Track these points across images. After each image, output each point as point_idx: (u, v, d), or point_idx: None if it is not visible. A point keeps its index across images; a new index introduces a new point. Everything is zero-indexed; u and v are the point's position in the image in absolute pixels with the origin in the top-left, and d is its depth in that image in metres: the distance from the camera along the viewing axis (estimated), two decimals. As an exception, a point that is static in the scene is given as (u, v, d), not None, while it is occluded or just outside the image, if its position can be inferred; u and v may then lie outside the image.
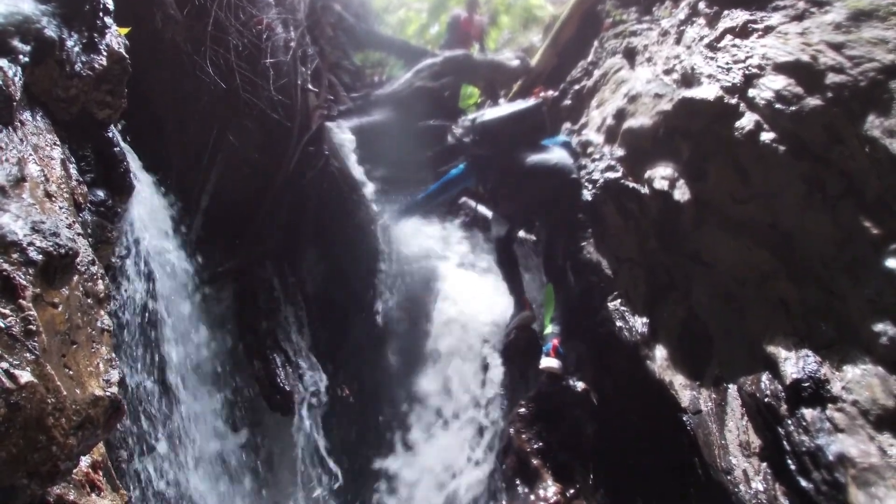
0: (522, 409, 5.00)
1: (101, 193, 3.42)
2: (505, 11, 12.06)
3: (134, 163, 4.10)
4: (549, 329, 5.13)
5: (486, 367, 5.70)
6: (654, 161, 4.93)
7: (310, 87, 5.63)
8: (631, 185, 5.15)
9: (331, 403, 5.89)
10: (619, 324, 5.31)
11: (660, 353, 4.82)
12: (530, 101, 5.73)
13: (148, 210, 4.37)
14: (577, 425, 4.99)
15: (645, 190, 4.99)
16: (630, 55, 6.25)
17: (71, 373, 2.04)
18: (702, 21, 4.99)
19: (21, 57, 2.51)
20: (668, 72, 5.13)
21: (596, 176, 5.57)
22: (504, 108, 5.72)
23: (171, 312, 4.61)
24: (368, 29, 8.57)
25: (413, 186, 6.97)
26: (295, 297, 5.88)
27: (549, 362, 4.93)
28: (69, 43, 2.90)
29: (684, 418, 4.39)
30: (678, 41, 5.27)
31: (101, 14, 3.20)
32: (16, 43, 2.45)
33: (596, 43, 7.15)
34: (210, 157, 5.17)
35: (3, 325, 1.81)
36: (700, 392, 4.36)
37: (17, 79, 2.39)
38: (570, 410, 5.04)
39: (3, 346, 1.79)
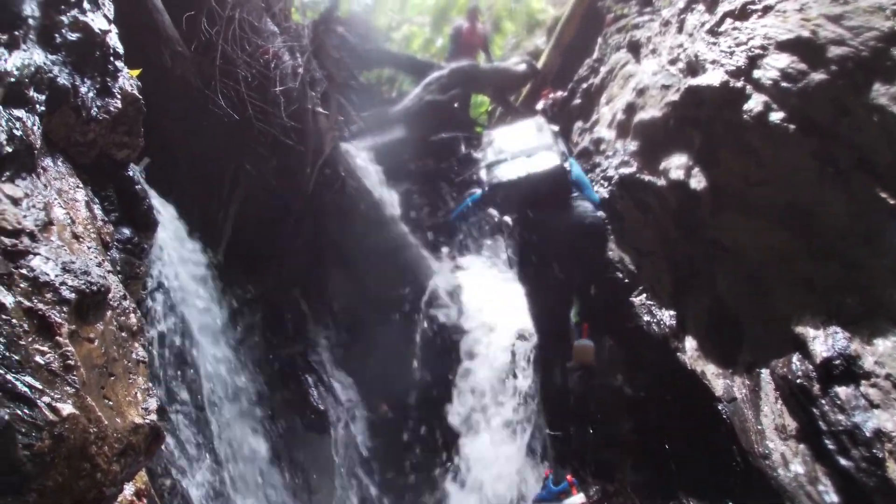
0: (556, 411, 5.01)
1: (126, 231, 3.52)
2: (508, 17, 12.11)
3: (156, 199, 4.20)
4: (578, 318, 5.19)
5: (515, 372, 5.73)
6: (668, 152, 4.93)
7: (320, 110, 5.72)
8: (646, 178, 5.15)
9: (367, 420, 5.95)
10: (646, 318, 5.30)
11: (690, 343, 4.81)
12: (549, 160, 5.02)
13: (173, 244, 4.48)
14: (613, 422, 5.00)
15: (661, 182, 4.98)
16: (634, 49, 6.27)
17: (111, 403, 2.11)
18: (701, 7, 5.00)
19: (37, 106, 2.60)
20: (672, 62, 5.14)
21: (611, 173, 5.58)
22: (520, 167, 5.02)
23: (202, 341, 4.71)
24: (374, 48, 8.69)
25: (429, 198, 7.04)
26: (323, 317, 5.97)
27: (583, 342, 4.92)
28: (83, 89, 3.00)
29: (719, 407, 4.38)
30: (680, 30, 5.28)
31: (111, 58, 3.30)
32: (31, 93, 2.54)
33: (600, 40, 7.17)
34: (229, 187, 5.28)
35: (42, 362, 1.89)
36: (733, 379, 4.35)
37: (35, 128, 2.49)
38: (604, 408, 5.05)
39: (43, 382, 1.88)
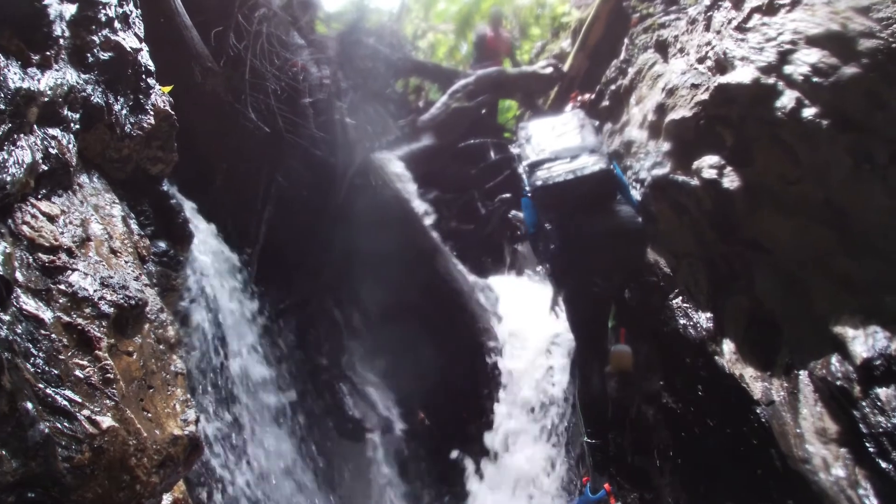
0: (594, 417, 4.96)
1: (162, 244, 3.59)
2: (534, 23, 12.09)
3: (191, 212, 4.27)
4: (615, 322, 5.08)
5: (552, 379, 5.69)
6: (700, 152, 4.86)
7: (348, 120, 5.77)
8: (680, 178, 5.07)
9: (405, 427, 5.96)
10: (682, 321, 5.22)
11: (727, 346, 4.73)
12: (595, 164, 4.81)
13: (208, 256, 4.54)
14: (651, 428, 4.93)
15: (695, 182, 4.91)
16: (662, 48, 6.21)
17: (150, 415, 2.15)
18: (728, 4, 4.93)
19: (72, 125, 2.67)
20: (701, 60, 5.08)
21: (643, 175, 5.51)
22: (564, 168, 4.80)
23: (239, 351, 4.76)
24: (403, 57, 8.73)
25: (460, 205, 7.05)
26: (357, 325, 6.00)
27: (621, 347, 4.84)
28: (116, 107, 3.07)
29: (758, 410, 4.29)
30: (707, 27, 5.21)
31: (143, 76, 3.37)
32: (65, 112, 2.61)
33: (626, 40, 7.11)
34: (262, 198, 5.35)
35: (82, 376, 1.94)
36: (771, 382, 4.26)
37: (70, 146, 2.55)
38: (642, 413, 4.99)
39: (83, 395, 1.92)
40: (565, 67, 8.83)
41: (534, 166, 4.85)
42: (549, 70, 8.89)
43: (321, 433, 5.55)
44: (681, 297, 5.33)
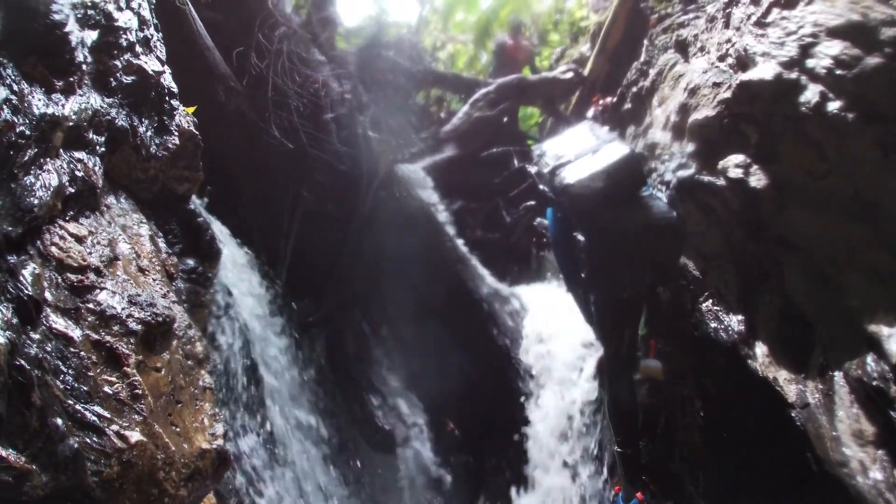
0: (624, 425, 4.90)
1: (191, 262, 3.66)
2: (553, 29, 12.09)
3: (218, 228, 4.33)
4: (645, 329, 4.93)
5: (581, 387, 5.65)
6: (725, 151, 4.80)
7: (371, 134, 5.82)
8: (706, 179, 5.00)
9: (434, 438, 5.95)
10: (713, 325, 5.15)
11: (760, 349, 4.65)
12: (619, 149, 4.72)
13: (236, 272, 4.60)
14: (683, 434, 4.87)
15: (721, 182, 4.85)
16: (682, 48, 6.16)
17: (178, 430, 2.18)
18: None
19: (98, 147, 2.73)
20: (722, 58, 5.03)
21: (668, 176, 5.46)
22: (589, 163, 4.65)
23: (267, 364, 4.81)
24: (423, 69, 8.78)
25: (484, 214, 7.05)
26: (384, 336, 6.02)
27: (650, 362, 4.73)
28: (141, 129, 3.13)
29: (792, 414, 4.21)
30: (727, 25, 5.16)
31: (166, 98, 3.44)
32: (91, 136, 2.67)
33: (646, 41, 7.06)
34: (288, 213, 5.41)
35: (110, 392, 1.98)
36: (805, 384, 4.18)
37: (96, 168, 2.61)
38: (674, 420, 4.92)
39: (112, 411, 1.96)
40: (586, 72, 8.80)
41: (556, 169, 4.74)
42: (570, 75, 8.87)
43: (350, 444, 5.57)
44: (711, 300, 5.26)
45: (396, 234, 5.94)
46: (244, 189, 5.14)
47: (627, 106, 7.05)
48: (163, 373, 2.19)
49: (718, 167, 4.82)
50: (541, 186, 4.91)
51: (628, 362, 4.93)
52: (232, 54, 5.25)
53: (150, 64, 3.27)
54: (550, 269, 6.92)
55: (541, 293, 6.62)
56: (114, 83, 2.94)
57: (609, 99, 7.43)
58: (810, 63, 3.90)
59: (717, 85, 4.89)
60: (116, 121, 2.88)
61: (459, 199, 7.15)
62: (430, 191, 6.71)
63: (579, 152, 4.74)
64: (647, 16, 7.31)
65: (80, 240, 2.22)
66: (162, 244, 3.21)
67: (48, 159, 2.22)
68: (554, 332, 6.08)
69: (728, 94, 4.66)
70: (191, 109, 3.72)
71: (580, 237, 5.00)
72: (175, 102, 3.56)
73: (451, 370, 6.08)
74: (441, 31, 12.98)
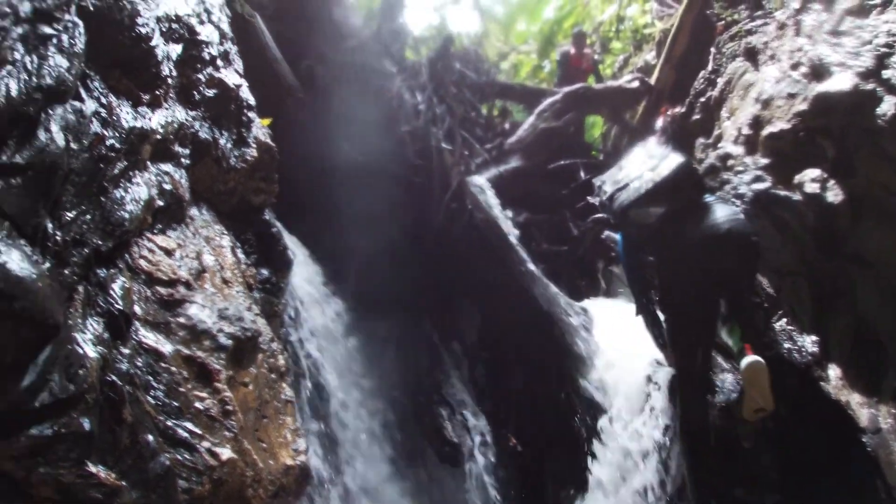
0: (696, 447, 4.74)
1: (264, 272, 3.67)
2: (615, 37, 11.94)
3: (289, 239, 4.36)
4: (738, 338, 4.54)
5: (652, 406, 5.48)
6: (801, 165, 4.63)
7: (444, 146, 5.79)
8: (782, 193, 4.83)
9: (498, 453, 5.87)
10: (787, 345, 4.94)
11: (833, 372, 4.46)
12: (673, 159, 4.55)
13: (306, 282, 4.61)
14: (754, 456, 4.69)
15: (797, 196, 4.67)
16: (751, 56, 5.97)
17: (264, 445, 2.16)
18: (818, 6, 4.69)
19: (183, 160, 2.76)
20: (794, 66, 4.85)
21: (742, 190, 5.28)
22: (643, 180, 4.51)
23: (335, 376, 4.80)
24: (489, 80, 8.76)
25: (551, 226, 6.95)
26: (455, 350, 5.97)
27: (753, 360, 4.14)
28: (222, 141, 3.16)
29: (864, 439, 4.01)
30: (798, 32, 4.98)
31: (245, 110, 3.47)
32: (176, 148, 2.70)
33: (713, 50, 6.87)
34: (358, 224, 5.42)
35: (201, 408, 1.96)
36: (878, 408, 3.99)
37: (183, 181, 2.63)
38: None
39: (203, 427, 1.94)
40: (652, 80, 8.63)
41: (615, 194, 4.60)
42: (636, 84, 8.71)
43: (418, 456, 5.53)
44: (785, 319, 5.07)
45: (465, 246, 5.89)
46: (315, 200, 5.16)
47: (696, 116, 6.88)
48: (251, 388, 2.17)
49: (794, 181, 4.65)
50: (604, 215, 4.80)
51: (701, 382, 4.74)
52: (301, 65, 5.28)
53: (230, 77, 3.30)
54: (619, 284, 6.77)
55: (609, 308, 6.48)
56: (197, 96, 2.97)
57: (677, 109, 7.25)
58: (886, 74, 3.74)
59: (791, 96, 4.72)
60: (200, 133, 2.90)
61: (525, 211, 7.07)
62: (495, 203, 6.65)
63: (636, 174, 4.61)
64: (713, 23, 7.11)
65: (169, 253, 2.23)
66: (241, 255, 3.22)
67: (137, 172, 2.24)
68: (623, 348, 5.93)
69: (804, 106, 4.50)
70: (266, 122, 3.75)
71: (651, 258, 4.86)
72: (252, 115, 3.59)
73: (516, 384, 6.00)
74: (503, 41, 12.96)
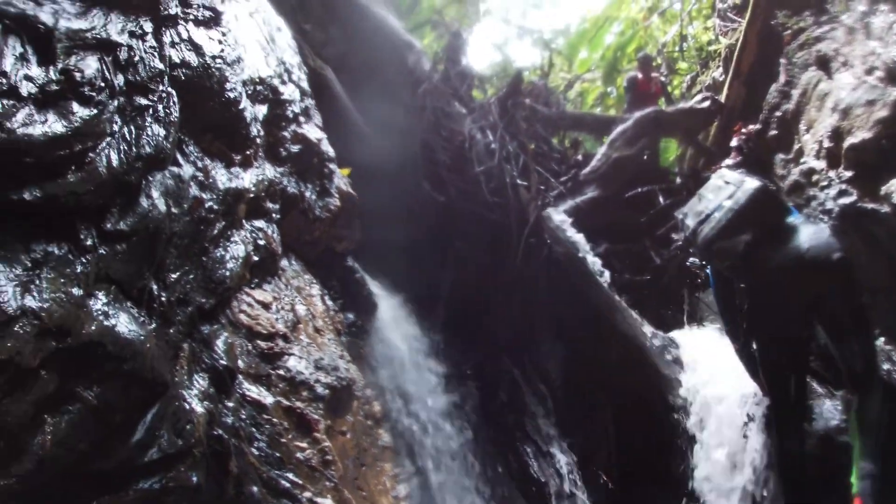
0: (794, 480, 4.51)
1: (350, 316, 3.75)
2: (680, 56, 11.77)
3: (373, 282, 4.43)
4: (857, 485, 4.04)
5: (748, 438, 5.26)
6: (887, 175, 4.42)
7: (520, 182, 5.81)
8: (869, 206, 4.62)
9: (587, 490, 5.72)
10: (886, 366, 4.68)
11: (934, 394, 4.19)
12: (749, 185, 4.38)
13: (392, 323, 4.66)
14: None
15: (885, 209, 4.46)
16: (823, 64, 5.76)
17: (364, 494, 2.18)
18: (884, 7, 4.52)
19: (273, 215, 2.86)
20: (869, 71, 4.65)
21: (829, 205, 5.08)
22: (723, 210, 4.40)
23: (420, 413, 4.80)
24: (560, 113, 8.74)
25: (632, 256, 6.82)
26: (537, 385, 5.88)
27: None
28: (307, 194, 3.27)
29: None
30: (868, 35, 4.78)
31: (326, 163, 3.59)
32: (268, 204, 2.80)
33: (783, 60, 6.65)
34: (440, 265, 5.47)
35: (302, 458, 2.00)
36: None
37: (275, 235, 2.72)
38: (844, 473, 4.47)
39: (304, 477, 1.97)
40: (722, 98, 8.44)
41: (697, 228, 4.51)
42: (707, 103, 8.49)
43: (505, 495, 5.44)
44: (882, 339, 4.81)
45: (546, 280, 5.85)
46: (397, 243, 5.24)
47: (773, 132, 6.67)
48: (348, 436, 2.20)
49: (881, 193, 4.44)
50: (690, 251, 4.68)
51: (796, 411, 4.51)
52: (377, 112, 5.42)
53: (312, 132, 3.43)
54: (706, 312, 6.55)
55: (697, 338, 6.26)
56: (283, 153, 3.09)
57: (752, 127, 7.03)
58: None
59: (870, 103, 4.54)
60: (287, 188, 3.01)
61: (604, 241, 6.94)
62: (574, 235, 6.58)
63: (716, 204, 4.48)
64: (779, 33, 6.89)
65: (266, 306, 2.30)
66: (329, 302, 3.30)
67: (234, 230, 2.33)
68: (715, 379, 5.72)
69: (885, 112, 4.31)
70: (346, 172, 3.85)
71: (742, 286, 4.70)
72: (333, 166, 3.71)
73: (603, 419, 5.86)
74: (566, 71, 12.95)
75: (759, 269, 4.27)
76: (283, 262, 2.99)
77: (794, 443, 4.45)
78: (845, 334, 4.24)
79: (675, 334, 6.15)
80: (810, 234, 4.16)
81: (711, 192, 4.67)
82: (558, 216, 6.17)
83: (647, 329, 6.07)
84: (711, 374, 5.66)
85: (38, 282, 1.63)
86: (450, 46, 7.58)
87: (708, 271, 4.82)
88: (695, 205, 4.70)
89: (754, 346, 4.76)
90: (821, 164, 5.39)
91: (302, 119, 3.39)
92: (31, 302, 1.57)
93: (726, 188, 4.52)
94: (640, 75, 9.75)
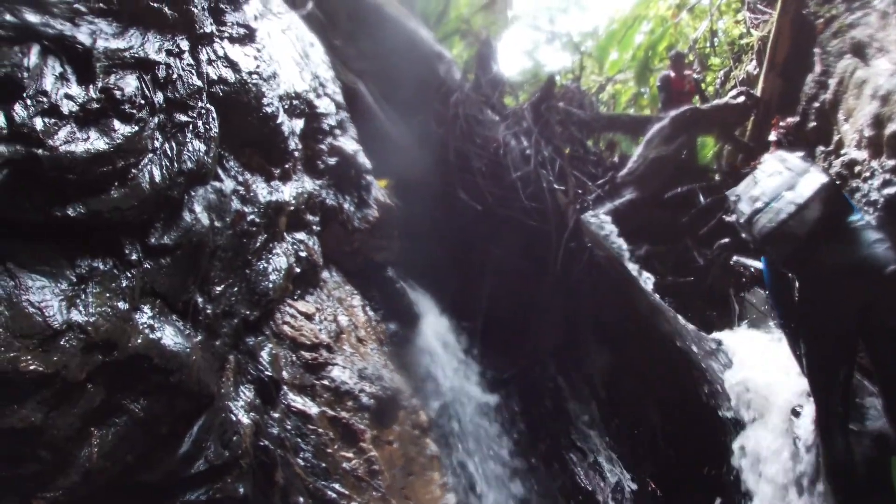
0: (843, 484, 4.36)
1: (392, 326, 3.73)
2: (712, 52, 11.62)
3: (414, 291, 4.42)
4: None
5: (798, 443, 5.12)
6: (932, 161, 4.30)
7: (557, 187, 5.76)
8: (916, 194, 4.50)
9: (636, 499, 5.62)
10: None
11: None
12: (814, 178, 4.24)
13: (432, 332, 4.65)
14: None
15: (933, 197, 4.33)
16: (858, 51, 5.61)
17: (412, 503, 2.16)
18: None
19: (314, 227, 2.88)
20: (906, 55, 4.55)
21: (874, 196, 4.93)
22: (784, 202, 4.25)
23: (462, 423, 4.76)
24: (594, 115, 8.69)
25: (673, 257, 6.71)
26: (582, 392, 5.81)
27: None
28: (346, 205, 3.29)
29: None
30: None
31: (363, 174, 3.61)
32: (308, 217, 2.82)
33: (817, 50, 6.50)
34: (478, 272, 5.44)
35: (348, 468, 1.99)
36: None
37: (316, 247, 2.74)
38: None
39: (350, 488, 1.96)
40: (758, 92, 8.28)
41: (753, 216, 4.37)
42: (742, 98, 8.34)
43: (550, 504, 5.37)
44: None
45: (587, 285, 5.77)
46: (431, 251, 5.23)
47: (812, 124, 6.55)
48: (395, 445, 2.19)
49: (928, 181, 4.31)
50: (743, 236, 4.51)
51: (842, 416, 4.35)
52: (409, 123, 5.44)
53: (348, 144, 3.45)
54: (753, 312, 6.40)
55: (744, 339, 6.12)
56: (321, 166, 3.11)
57: (790, 119, 6.89)
58: None
59: (909, 88, 4.43)
60: (326, 200, 3.03)
61: (645, 243, 6.84)
62: (614, 238, 6.50)
63: (774, 192, 4.32)
64: (811, 22, 6.75)
65: (309, 317, 2.31)
66: (370, 312, 3.30)
67: (276, 243, 2.35)
68: (762, 380, 5.58)
69: (924, 97, 4.19)
70: (384, 183, 3.86)
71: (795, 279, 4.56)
72: (370, 177, 3.72)
73: (651, 425, 5.75)
74: (597, 73, 12.87)
75: (814, 266, 4.13)
76: (325, 274, 3.00)
77: (839, 448, 4.30)
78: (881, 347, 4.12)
79: (721, 335, 6.03)
80: (869, 240, 4.01)
81: (768, 176, 4.51)
82: (599, 220, 6.11)
83: (692, 331, 5.96)
84: (759, 375, 5.54)
85: (83, 296, 1.65)
86: (480, 55, 7.58)
87: (762, 264, 4.68)
88: (749, 188, 4.52)
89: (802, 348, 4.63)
90: (862, 155, 5.26)
91: (338, 132, 3.42)
92: (77, 316, 1.59)
93: (785, 174, 4.34)
94: (673, 74, 9.66)
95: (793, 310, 4.57)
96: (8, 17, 1.68)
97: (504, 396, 5.55)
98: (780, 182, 4.33)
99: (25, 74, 1.65)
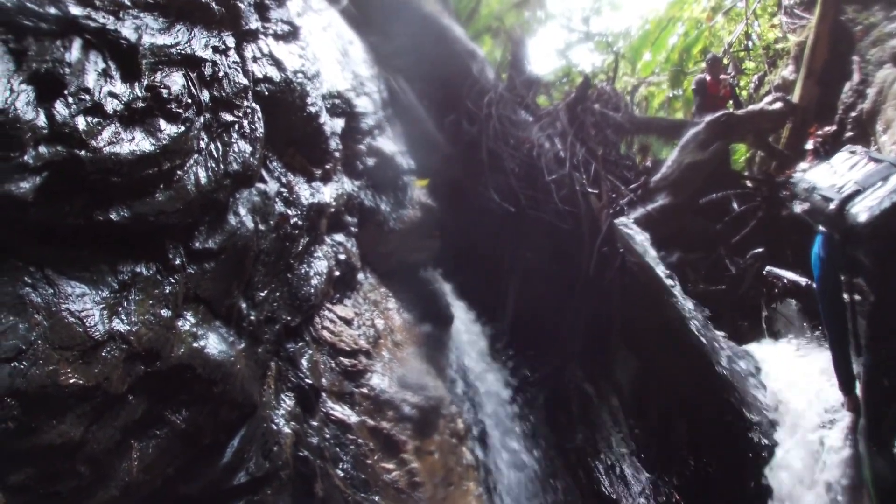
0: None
1: (427, 327, 3.68)
2: (746, 56, 11.44)
3: (448, 292, 4.38)
4: None
5: (830, 459, 5.00)
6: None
7: (590, 190, 5.67)
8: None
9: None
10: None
11: None
12: None
13: (465, 333, 4.60)
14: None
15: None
16: None
17: (451, 517, 2.11)
18: None
19: (352, 229, 2.83)
20: (945, 66, 4.40)
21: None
22: (885, 193, 3.61)
23: (490, 426, 4.71)
24: (628, 117, 8.55)
25: (707, 266, 6.59)
26: (609, 399, 5.72)
27: None
28: (383, 206, 3.24)
29: None
30: None
31: (401, 175, 3.56)
32: (347, 218, 2.78)
33: (856, 58, 6.38)
34: (508, 275, 5.38)
35: (388, 480, 1.95)
36: None
37: (354, 249, 2.69)
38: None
39: (391, 500, 1.92)
40: (794, 98, 8.10)
41: (845, 203, 4.01)
42: (779, 105, 8.15)
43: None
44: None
45: (617, 290, 5.69)
46: (466, 251, 5.18)
47: (849, 133, 6.42)
48: (436, 456, 2.14)
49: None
50: (820, 228, 4.20)
51: (888, 437, 4.20)
52: (444, 123, 5.39)
53: (387, 145, 3.40)
54: (785, 326, 6.27)
55: (775, 351, 6.00)
56: (360, 166, 3.06)
57: (827, 128, 6.75)
58: None
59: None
60: (364, 201, 2.99)
61: (677, 250, 6.71)
62: (645, 244, 6.39)
63: (866, 182, 3.98)
64: (850, 29, 6.62)
65: (348, 322, 2.26)
66: (405, 315, 3.25)
67: (317, 246, 2.30)
68: (793, 394, 5.47)
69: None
70: (423, 183, 3.81)
71: (864, 285, 4.31)
72: (407, 178, 3.67)
73: (678, 435, 5.66)
74: (630, 75, 12.72)
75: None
76: (361, 276, 2.96)
77: (885, 467, 4.16)
78: None
79: (752, 347, 5.91)
80: None
81: (848, 165, 4.14)
82: (632, 226, 6.00)
83: (723, 341, 5.84)
84: (790, 388, 5.42)
85: (125, 304, 1.58)
86: (513, 54, 7.50)
87: (815, 258, 4.38)
88: (826, 177, 4.14)
89: (860, 357, 4.41)
90: (902, 168, 5.12)
91: (376, 132, 3.37)
92: (119, 325, 1.53)
93: (872, 165, 4.01)
94: (708, 77, 9.50)
95: (844, 314, 4.38)
96: (52, 9, 1.58)
97: (530, 399, 5.50)
98: (868, 171, 3.96)
99: (67, 70, 1.55)
